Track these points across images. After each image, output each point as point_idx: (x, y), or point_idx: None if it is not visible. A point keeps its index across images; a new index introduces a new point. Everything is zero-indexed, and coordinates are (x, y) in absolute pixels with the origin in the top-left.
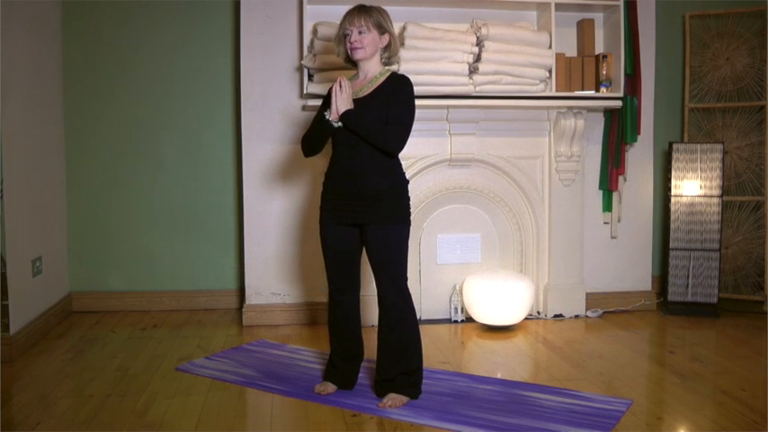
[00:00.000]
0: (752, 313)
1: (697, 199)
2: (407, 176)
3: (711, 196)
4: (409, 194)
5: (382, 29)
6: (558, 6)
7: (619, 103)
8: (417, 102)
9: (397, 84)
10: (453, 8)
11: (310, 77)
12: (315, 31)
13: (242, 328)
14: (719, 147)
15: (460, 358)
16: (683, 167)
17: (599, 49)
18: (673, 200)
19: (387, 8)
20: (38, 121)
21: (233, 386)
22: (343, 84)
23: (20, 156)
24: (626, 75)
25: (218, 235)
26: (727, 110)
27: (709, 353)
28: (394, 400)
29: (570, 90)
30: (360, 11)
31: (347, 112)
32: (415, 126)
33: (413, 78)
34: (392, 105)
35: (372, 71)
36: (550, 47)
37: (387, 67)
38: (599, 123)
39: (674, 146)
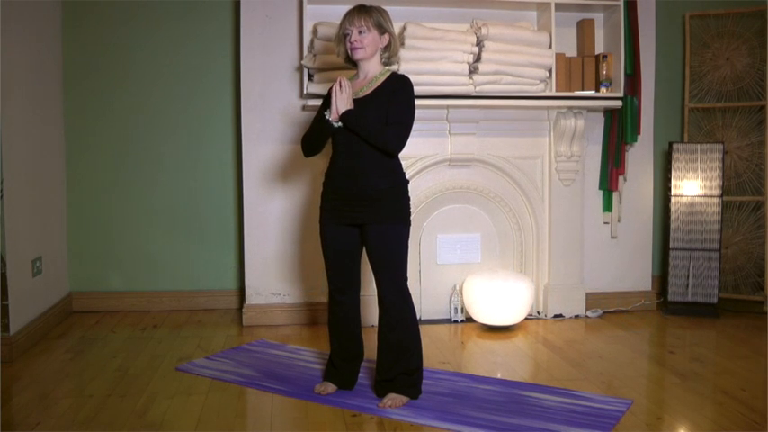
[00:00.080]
0: (752, 313)
1: (697, 199)
2: (407, 176)
3: (711, 196)
4: (409, 194)
5: (382, 29)
6: (558, 6)
7: (619, 103)
8: (417, 102)
9: (398, 84)
10: (453, 8)
11: (310, 77)
12: (315, 31)
13: (242, 328)
14: (719, 147)
15: (460, 358)
16: (683, 167)
17: (599, 49)
18: (673, 200)
19: (387, 8)
20: (38, 121)
21: (233, 386)
22: (343, 84)
23: (20, 156)
24: (626, 75)
25: (218, 235)
26: (727, 110)
27: (709, 353)
28: (394, 400)
29: (570, 90)
30: (360, 11)
31: (347, 112)
32: (415, 126)
33: (413, 78)
34: (392, 105)
35: (372, 71)
36: (550, 47)
37: (387, 68)
38: (599, 123)
39: (674, 146)
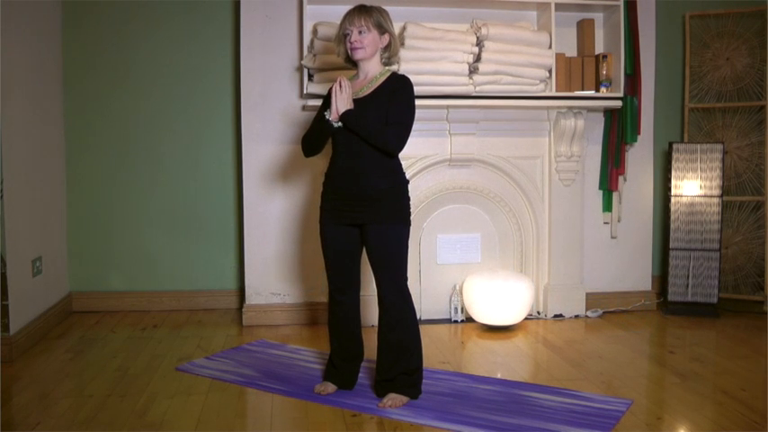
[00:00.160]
0: (752, 313)
1: (697, 199)
2: (407, 176)
3: (711, 196)
4: (409, 194)
5: (382, 29)
6: (558, 6)
7: (619, 103)
8: (417, 102)
9: (398, 84)
10: (453, 8)
11: (310, 77)
12: (315, 31)
13: (242, 328)
14: (719, 147)
15: (460, 358)
16: (683, 167)
17: (599, 49)
18: (673, 200)
19: (387, 8)
20: (38, 121)
21: (233, 386)
22: (343, 84)
23: (20, 156)
24: (626, 75)
25: (218, 235)
26: (727, 110)
27: (709, 353)
28: (394, 400)
29: (570, 90)
30: (360, 11)
31: (347, 112)
32: (415, 126)
33: (413, 78)
34: (392, 105)
35: (372, 71)
36: (550, 47)
37: (387, 68)
38: (599, 123)
39: (674, 146)
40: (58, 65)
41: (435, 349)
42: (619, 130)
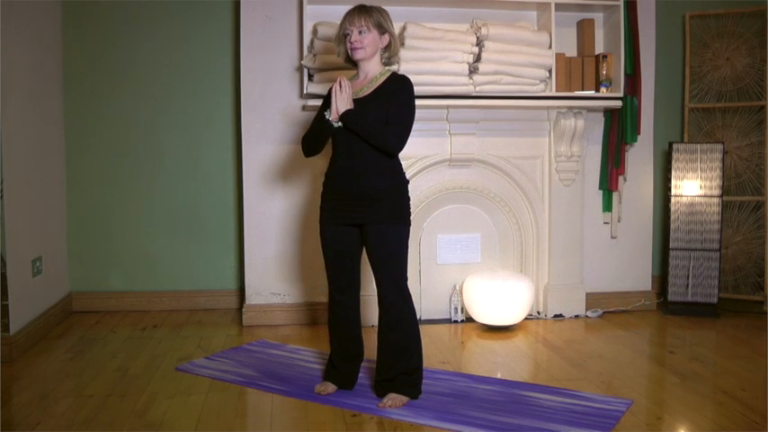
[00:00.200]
0: (752, 313)
1: (697, 199)
2: (407, 176)
3: (711, 196)
4: (409, 194)
5: (382, 29)
6: (558, 6)
7: (619, 103)
8: (417, 102)
9: (398, 84)
10: (453, 8)
11: (310, 77)
12: (315, 31)
13: (242, 328)
14: (719, 147)
15: (460, 358)
16: (683, 167)
17: (599, 49)
18: (673, 200)
19: (387, 8)
20: (38, 121)
21: (233, 386)
22: (343, 84)
23: (20, 156)
24: (626, 75)
25: (218, 235)
26: (728, 110)
27: (709, 353)
28: (394, 400)
29: (570, 90)
30: (360, 11)
31: (347, 112)
32: (415, 126)
33: (413, 78)
34: (392, 105)
35: (372, 71)
36: (550, 47)
37: (387, 68)
38: (599, 123)
39: (674, 146)
40: (58, 65)
41: (435, 349)
42: (619, 130)
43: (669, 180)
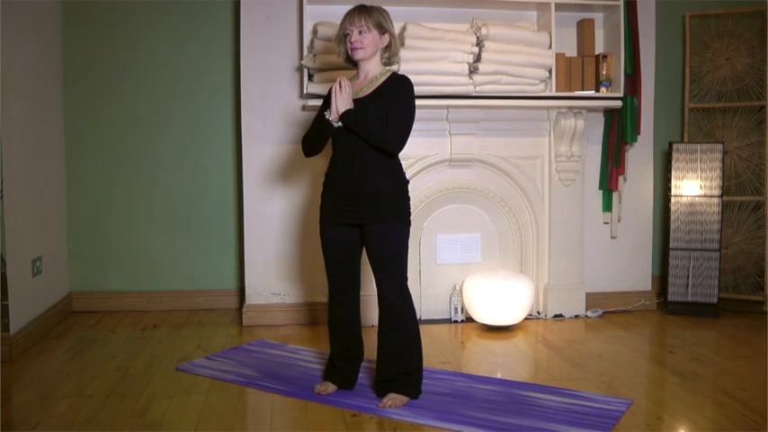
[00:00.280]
0: (752, 313)
1: (697, 199)
2: (407, 176)
3: (711, 196)
4: (409, 194)
5: (383, 29)
6: (558, 6)
7: (619, 103)
8: (417, 102)
9: (398, 84)
10: (453, 8)
11: (310, 77)
12: (315, 31)
13: (242, 328)
14: (719, 147)
15: (460, 358)
16: (683, 167)
17: (599, 49)
18: (673, 200)
19: (387, 8)
20: (38, 121)
21: (233, 386)
22: (342, 83)
23: (20, 156)
24: (626, 75)
25: (218, 235)
26: (727, 110)
27: (709, 353)
28: (394, 400)
29: (570, 90)
30: (360, 11)
31: (347, 112)
32: (415, 126)
33: (413, 78)
34: (392, 105)
35: (373, 71)
36: (550, 47)
37: (387, 68)
38: (599, 123)
39: (674, 146)
40: (58, 65)
41: (435, 349)
42: (619, 130)
43: (669, 180)
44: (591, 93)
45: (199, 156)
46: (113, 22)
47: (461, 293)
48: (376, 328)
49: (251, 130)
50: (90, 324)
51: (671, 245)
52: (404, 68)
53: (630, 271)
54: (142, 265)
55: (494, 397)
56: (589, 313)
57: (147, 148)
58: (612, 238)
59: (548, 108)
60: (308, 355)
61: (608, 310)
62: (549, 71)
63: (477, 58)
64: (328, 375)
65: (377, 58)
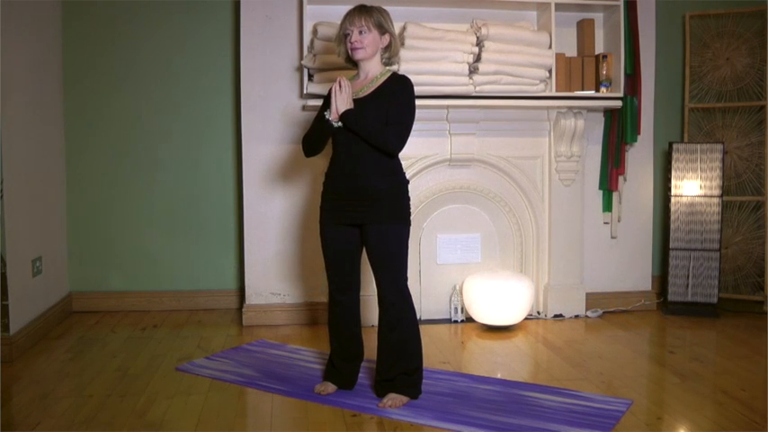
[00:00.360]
0: (752, 313)
1: (697, 199)
2: (407, 176)
3: (711, 196)
4: (409, 194)
5: (383, 29)
6: (558, 6)
7: (619, 103)
8: (417, 102)
9: (398, 84)
10: (453, 8)
11: (310, 77)
12: (315, 31)
13: (242, 328)
14: (719, 147)
15: (460, 358)
16: (683, 167)
17: (599, 49)
18: (673, 200)
19: (387, 8)
20: (38, 121)
21: (233, 386)
22: (342, 83)
23: (20, 156)
24: (626, 75)
25: (218, 235)
26: (727, 110)
27: (710, 353)
28: (394, 400)
29: (570, 90)
30: (360, 11)
31: (347, 112)
32: (415, 126)
33: (413, 78)
34: (392, 105)
35: (373, 71)
36: (550, 47)
37: (387, 68)
38: (599, 123)
39: (674, 146)
40: (58, 65)
41: (435, 349)
42: (619, 130)
43: (669, 180)
44: (591, 93)
45: (199, 156)
46: (113, 22)
47: (461, 293)
48: (376, 328)
49: (251, 130)
50: (90, 324)
51: (671, 245)
52: (404, 68)
53: (630, 271)
54: (142, 265)
55: (494, 397)
56: (589, 313)
57: (147, 148)
58: (612, 238)
59: (548, 108)
60: (308, 355)
61: (608, 310)
62: (549, 71)
63: (478, 58)
64: (328, 375)
65: (377, 59)
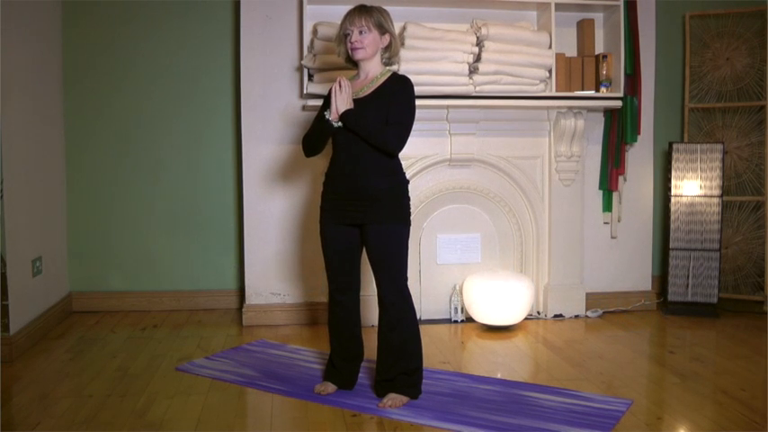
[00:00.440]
0: (752, 313)
1: (697, 199)
2: (407, 176)
3: (711, 196)
4: (409, 194)
5: (383, 29)
6: (558, 6)
7: (619, 103)
8: (417, 102)
9: (398, 84)
10: (453, 8)
11: (310, 77)
12: (315, 31)
13: (242, 328)
14: (719, 147)
15: (460, 358)
16: (683, 167)
17: (599, 49)
18: (673, 200)
19: (387, 8)
20: (38, 121)
21: (233, 386)
22: (342, 83)
23: (20, 156)
24: (626, 75)
25: (218, 235)
26: (727, 110)
27: (710, 353)
28: (394, 400)
29: (570, 90)
30: (360, 11)
31: (347, 112)
32: (415, 126)
33: (413, 78)
34: (392, 105)
35: (373, 71)
36: (550, 47)
37: (387, 68)
38: (599, 123)
39: (674, 146)
40: (58, 65)
41: (435, 349)
42: (619, 130)
43: (669, 180)
44: (591, 93)
45: (199, 156)
46: (113, 22)
47: (461, 293)
48: (376, 328)
49: (251, 130)
50: (90, 324)
51: (671, 245)
52: (404, 68)
53: (630, 271)
54: (142, 265)
55: (494, 397)
56: (589, 313)
57: (147, 148)
58: (612, 238)
59: (548, 108)
60: (308, 355)
61: (608, 310)
62: (549, 71)
63: (477, 58)
64: (328, 375)
65: (377, 59)
